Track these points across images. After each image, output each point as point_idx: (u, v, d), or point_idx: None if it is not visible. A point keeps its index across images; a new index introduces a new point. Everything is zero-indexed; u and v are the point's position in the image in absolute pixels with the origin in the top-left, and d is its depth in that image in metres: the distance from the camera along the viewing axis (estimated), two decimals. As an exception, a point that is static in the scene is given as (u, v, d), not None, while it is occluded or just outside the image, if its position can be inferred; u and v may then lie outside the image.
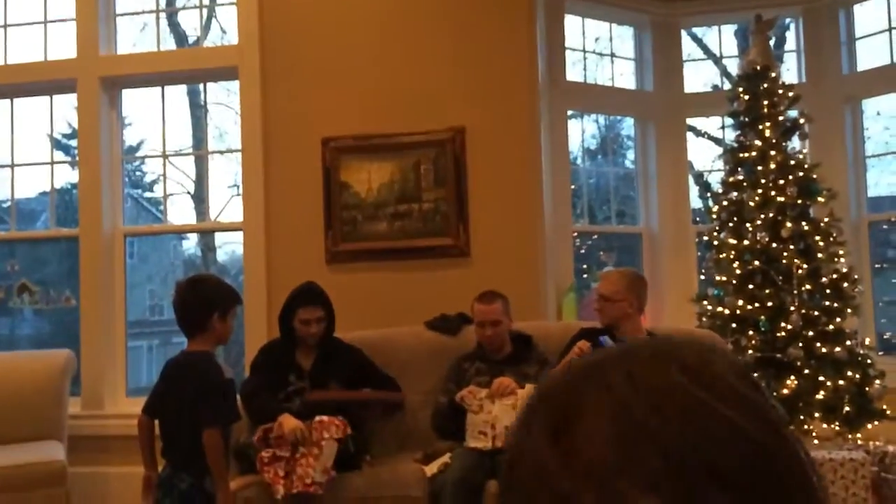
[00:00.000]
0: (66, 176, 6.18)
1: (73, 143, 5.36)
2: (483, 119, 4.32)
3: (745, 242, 4.20)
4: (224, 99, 6.47)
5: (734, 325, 4.07)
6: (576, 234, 4.94)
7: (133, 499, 3.95)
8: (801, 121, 4.45)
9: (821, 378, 3.78)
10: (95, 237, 4.62)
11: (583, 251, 5.51)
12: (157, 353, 7.44)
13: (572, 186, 4.96)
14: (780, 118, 4.40)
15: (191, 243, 7.53)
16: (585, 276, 5.67)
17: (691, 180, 5.30)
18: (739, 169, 4.40)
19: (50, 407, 4.16)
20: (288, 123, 4.49)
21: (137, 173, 7.33)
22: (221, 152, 5.31)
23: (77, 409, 4.50)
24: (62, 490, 3.82)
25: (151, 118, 5.16)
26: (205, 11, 5.39)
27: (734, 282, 4.17)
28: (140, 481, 3.02)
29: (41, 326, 7.36)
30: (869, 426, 3.82)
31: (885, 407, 3.88)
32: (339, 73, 4.45)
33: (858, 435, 3.78)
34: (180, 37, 6.37)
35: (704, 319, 4.25)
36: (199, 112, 6.03)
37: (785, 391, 3.72)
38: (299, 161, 4.45)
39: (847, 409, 3.75)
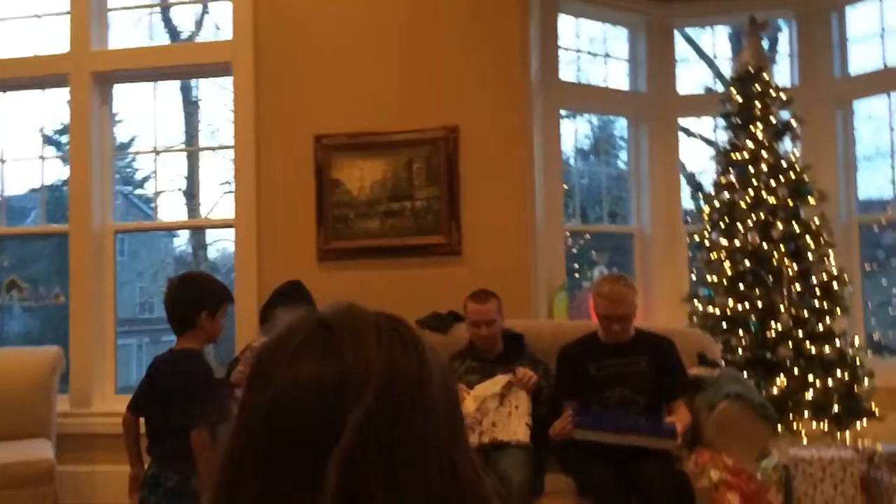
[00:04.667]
0: (57, 172, 6.15)
1: (64, 138, 5.33)
2: (476, 118, 4.32)
3: (737, 243, 4.21)
4: (217, 95, 6.45)
5: (724, 324, 4.08)
6: (568, 233, 4.94)
7: (121, 497, 3.93)
8: (793, 123, 4.46)
9: (810, 378, 3.79)
10: (85, 234, 4.60)
11: (574, 251, 5.52)
12: (147, 350, 7.40)
13: (564, 186, 4.96)
14: (773, 120, 4.41)
15: (182, 240, 7.51)
16: (577, 275, 5.68)
17: (683, 181, 5.32)
18: (731, 170, 4.41)
19: (38, 404, 4.14)
20: (281, 120, 4.48)
21: (128, 170, 7.30)
22: (213, 149, 5.29)
23: (65, 406, 4.47)
24: (50, 489, 3.80)
25: (143, 114, 5.14)
26: (199, 7, 5.38)
27: (725, 282, 4.18)
28: (127, 480, 3.01)
29: (30, 323, 7.32)
30: (858, 425, 3.84)
31: (873, 406, 3.90)
32: (333, 71, 4.44)
33: (847, 434, 3.79)
34: (173, 32, 6.34)
35: (695, 319, 4.26)
36: (191, 108, 6.02)
37: (774, 391, 3.74)
38: (291, 158, 4.44)
39: (836, 408, 3.77)
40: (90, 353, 4.56)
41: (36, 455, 3.83)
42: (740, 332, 4.04)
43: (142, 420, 3.00)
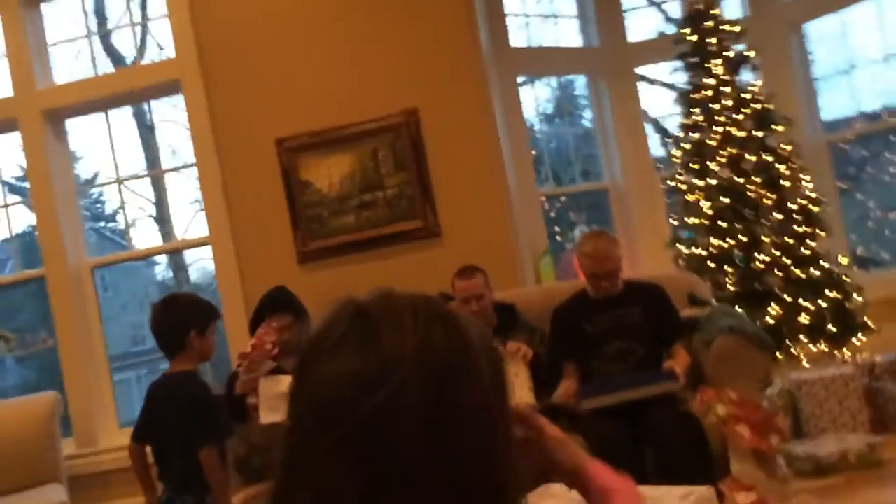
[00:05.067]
0: (26, 218, 6.08)
1: (27, 183, 5.26)
2: (433, 97, 4.29)
3: (711, 181, 4.22)
4: (171, 115, 6.38)
5: (710, 263, 4.10)
6: (543, 198, 4.94)
7: (141, 528, 3.93)
8: (749, 54, 4.46)
9: (801, 302, 3.82)
10: (62, 274, 4.55)
11: (552, 214, 5.52)
12: (145, 382, 7.35)
13: (533, 152, 4.95)
14: (728, 54, 4.41)
15: (161, 267, 7.46)
16: (559, 238, 5.69)
17: (649, 129, 5.32)
18: (695, 110, 4.41)
19: (44, 451, 4.10)
20: (238, 130, 4.43)
21: (97, 205, 7.22)
22: (176, 169, 5.24)
23: (72, 449, 4.44)
24: (69, 531, 3.78)
25: (101, 148, 5.07)
26: (138, 29, 5.30)
27: (705, 222, 4.19)
28: (144, 510, 3.00)
29: (26, 374, 7.26)
30: (854, 341, 3.87)
31: (866, 320, 3.93)
32: (282, 73, 4.40)
33: (846, 351, 3.83)
34: (117, 58, 6.26)
35: (681, 262, 4.28)
36: (147, 133, 5.95)
37: (769, 319, 3.76)
38: (256, 166, 4.40)
39: (831, 327, 3.80)
40: (87, 392, 4.52)
41: (50, 501, 3.80)
42: (727, 268, 4.06)
43: (149, 448, 2.99)
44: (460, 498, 0.73)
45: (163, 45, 5.19)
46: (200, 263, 6.44)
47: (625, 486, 0.94)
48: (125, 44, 6.47)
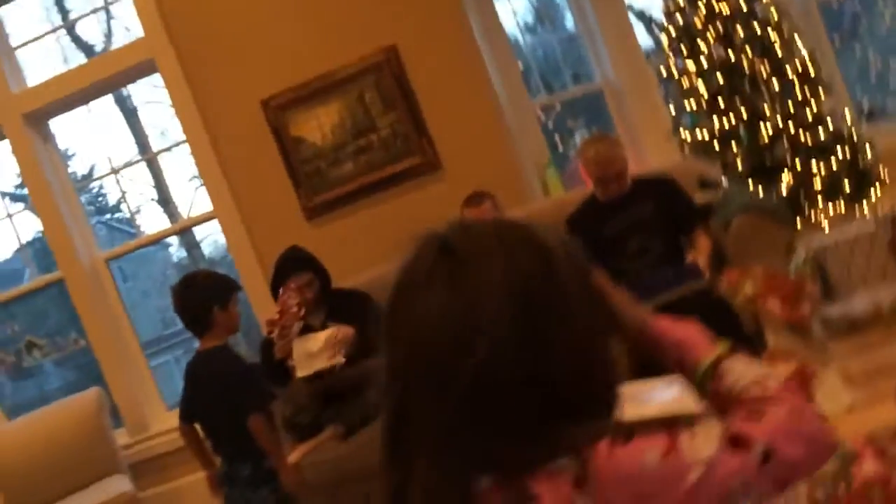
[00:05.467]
0: (33, 224, 6.09)
1: (26, 190, 5.25)
2: (410, 30, 4.20)
3: (703, 62, 4.12)
4: (153, 96, 6.31)
5: (716, 145, 4.04)
6: (539, 110, 4.86)
7: (208, 500, 4.04)
8: (722, -77, 4.29)
9: (813, 167, 3.77)
10: (78, 273, 4.57)
11: (550, 125, 5.45)
12: (183, 362, 7.43)
13: (520, 64, 4.85)
14: (700, -74, 4.24)
15: (175, 248, 7.49)
16: (560, 148, 5.63)
17: (634, 20, 5.18)
18: (676, -9, 4.27)
19: (99, 445, 4.20)
20: (221, 99, 4.37)
21: (100, 199, 7.22)
22: (168, 149, 5.21)
23: (126, 438, 4.54)
24: (138, 517, 3.89)
25: (91, 141, 5.04)
26: (103, 16, 5.20)
27: (703, 104, 4.11)
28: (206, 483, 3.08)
29: (67, 375, 7.38)
30: (873, 196, 3.83)
31: (881, 173, 3.88)
32: (254, 32, 4.31)
33: (865, 208, 3.79)
34: (86, 48, 6.15)
35: (686, 149, 4.22)
36: (132, 118, 5.89)
37: (783, 190, 3.72)
38: (246, 132, 4.35)
39: (847, 187, 3.76)
40: (128, 382, 4.60)
41: (115, 491, 3.90)
42: (733, 146, 4.00)
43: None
44: (564, 411, 0.75)
45: (130, 26, 5.09)
46: (211, 237, 6.46)
47: (697, 334, 0.91)
48: (92, 33, 6.36)
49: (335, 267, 3.75)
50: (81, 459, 4.10)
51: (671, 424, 0.77)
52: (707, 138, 4.07)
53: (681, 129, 4.30)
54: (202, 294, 2.91)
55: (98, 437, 4.20)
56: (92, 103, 4.78)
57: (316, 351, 3.22)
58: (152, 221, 6.56)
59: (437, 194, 4.18)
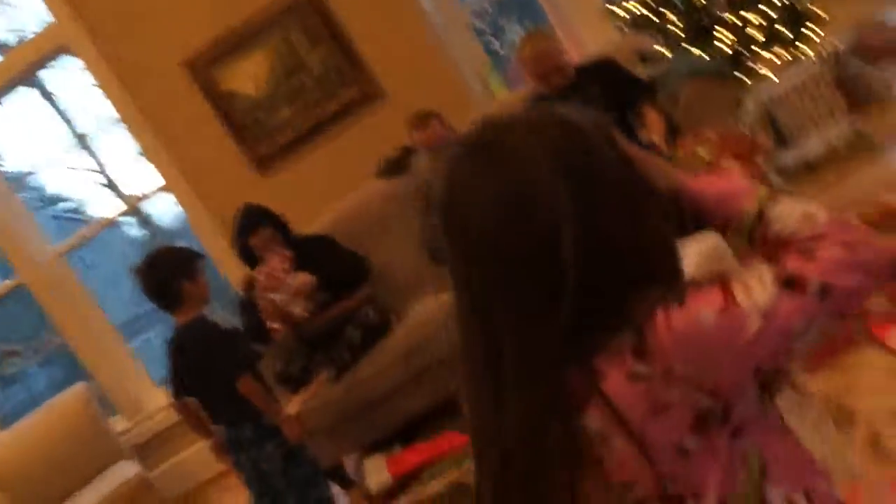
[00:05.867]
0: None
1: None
2: (319, -45, 4.02)
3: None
4: (78, 79, 6.08)
5: (652, 17, 3.96)
6: (470, 17, 4.73)
7: (216, 466, 4.07)
8: None
9: (751, 18, 3.71)
10: (37, 273, 4.47)
11: (485, 28, 5.33)
12: (165, 336, 7.40)
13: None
14: None
15: (132, 227, 7.35)
16: (500, 50, 5.52)
17: None
18: None
19: (97, 436, 4.19)
20: (144, 69, 4.19)
21: (43, 193, 7.00)
22: (103, 129, 5.04)
23: (124, 423, 4.53)
24: (154, 495, 3.91)
25: (24, 139, 4.85)
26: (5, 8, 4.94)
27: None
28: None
29: (52, 374, 7.30)
30: (812, 36, 3.79)
31: (816, 10, 3.83)
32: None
33: (807, 50, 3.76)
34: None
35: (622, 26, 4.14)
36: (59, 104, 5.67)
37: (724, 48, 3.67)
38: (176, 96, 4.20)
39: (787, 32, 3.71)
40: (112, 369, 4.56)
41: (123, 477, 3.91)
42: (668, 14, 3.92)
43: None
44: (628, 280, 0.77)
45: (36, 15, 4.84)
46: (166, 209, 6.33)
47: (735, 183, 0.89)
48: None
49: (298, 214, 3.69)
50: (82, 454, 4.09)
51: (722, 278, 0.77)
52: (641, 10, 3.99)
53: (612, 6, 4.21)
54: (167, 271, 2.84)
55: (93, 428, 4.18)
56: (16, 99, 4.58)
57: (298, 286, 3.27)
58: (104, 205, 6.40)
59: (383, 122, 4.10)
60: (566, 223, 0.75)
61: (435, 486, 2.88)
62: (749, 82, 3.34)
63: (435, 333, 3.28)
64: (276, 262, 3.31)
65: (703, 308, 0.73)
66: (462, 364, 0.84)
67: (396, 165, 3.86)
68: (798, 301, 0.74)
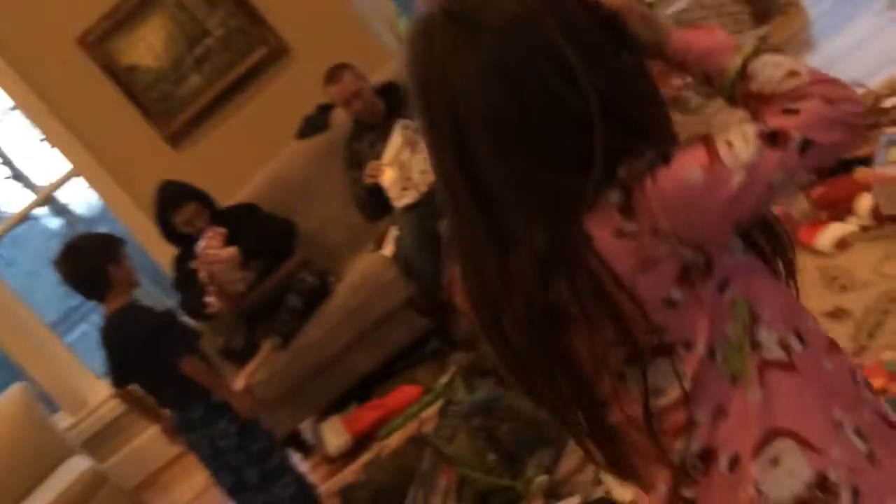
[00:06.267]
0: None
1: None
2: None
3: None
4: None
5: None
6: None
7: (171, 450, 4.03)
8: None
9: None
10: (-49, 278, 4.28)
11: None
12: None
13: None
14: None
15: (49, 219, 7.09)
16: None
17: None
18: None
19: (43, 436, 4.09)
20: (35, 51, 3.98)
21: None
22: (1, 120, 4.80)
23: (70, 419, 4.43)
24: (109, 486, 3.85)
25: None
26: None
27: None
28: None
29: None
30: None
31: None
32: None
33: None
34: None
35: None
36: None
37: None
38: (74, 76, 4.01)
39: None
40: (49, 367, 4.44)
41: (75, 472, 3.83)
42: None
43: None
44: (621, 139, 0.78)
45: None
46: (83, 196, 6.08)
47: (720, 38, 0.88)
48: None
49: (219, 185, 3.61)
50: (29, 455, 3.98)
51: (706, 137, 0.79)
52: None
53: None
54: (89, 257, 2.73)
55: (37, 428, 4.07)
56: None
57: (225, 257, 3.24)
58: (13, 199, 6.12)
59: (294, 79, 4.00)
60: (565, 85, 0.76)
61: (393, 441, 2.91)
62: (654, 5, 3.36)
63: (377, 289, 3.28)
64: (212, 240, 3.23)
65: (689, 165, 0.76)
66: (459, 241, 0.85)
67: (315, 124, 3.78)
68: (780, 154, 0.76)
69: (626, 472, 0.88)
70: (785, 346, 0.81)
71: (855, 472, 0.78)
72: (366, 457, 2.99)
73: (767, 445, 0.79)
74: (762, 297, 0.82)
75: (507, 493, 2.05)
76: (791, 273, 0.89)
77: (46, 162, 4.76)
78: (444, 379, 2.90)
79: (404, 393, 3.17)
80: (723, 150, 0.76)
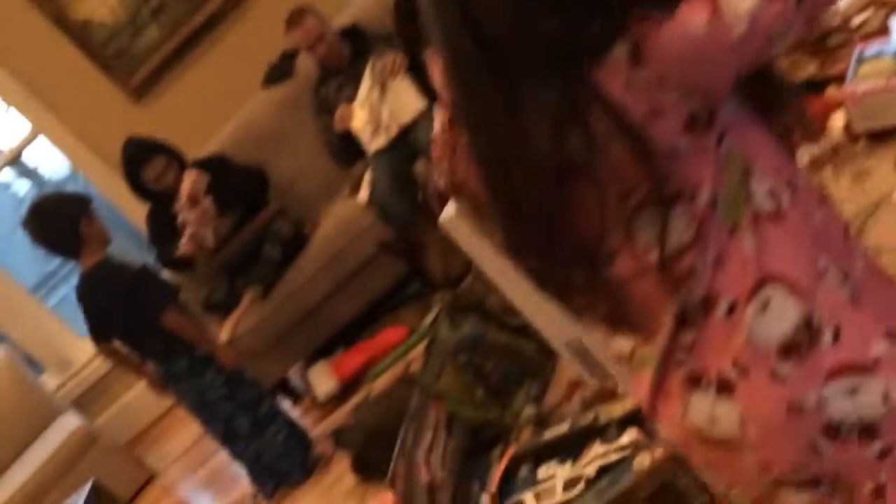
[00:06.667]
0: None
1: None
2: None
3: None
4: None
5: None
6: None
7: (160, 404, 4.06)
8: None
9: None
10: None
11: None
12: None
13: None
14: None
15: (16, 183, 6.96)
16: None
17: None
18: None
19: (30, 398, 4.10)
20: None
21: None
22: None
23: (57, 379, 4.44)
24: (101, 444, 3.88)
25: None
26: None
27: None
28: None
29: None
30: None
31: None
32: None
33: None
34: None
35: None
36: None
37: None
38: (27, 35, 3.90)
39: None
40: (30, 330, 4.44)
41: (66, 431, 3.86)
42: None
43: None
44: None
45: None
46: (50, 158, 5.95)
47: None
48: None
49: (187, 139, 3.56)
50: (18, 418, 3.99)
51: None
52: None
53: None
54: (60, 215, 2.72)
55: (24, 390, 4.08)
56: None
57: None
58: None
59: (257, 26, 3.92)
60: None
61: (382, 383, 2.96)
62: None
63: (355, 235, 3.28)
64: (192, 182, 3.18)
65: (693, 17, 0.78)
66: (466, 106, 0.86)
67: (281, 71, 3.72)
68: (779, 6, 0.79)
69: (622, 325, 0.91)
70: (776, 197, 0.84)
71: (837, 314, 0.83)
72: (355, 399, 3.04)
73: (759, 291, 0.83)
74: (755, 148, 0.85)
75: (496, 426, 2.11)
76: (785, 132, 0.92)
77: (9, 124, 4.64)
78: (429, 318, 2.93)
79: (390, 334, 3.21)
80: (724, 3, 0.78)
